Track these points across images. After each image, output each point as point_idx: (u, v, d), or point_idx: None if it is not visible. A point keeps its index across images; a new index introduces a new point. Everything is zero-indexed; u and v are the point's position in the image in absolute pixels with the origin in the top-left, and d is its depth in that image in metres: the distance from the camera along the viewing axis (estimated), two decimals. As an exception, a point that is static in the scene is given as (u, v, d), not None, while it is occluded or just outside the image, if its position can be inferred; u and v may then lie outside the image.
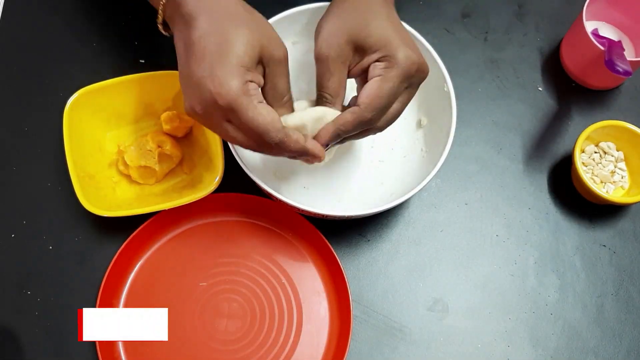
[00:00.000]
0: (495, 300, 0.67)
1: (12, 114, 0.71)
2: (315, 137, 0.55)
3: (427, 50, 0.65)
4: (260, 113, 0.49)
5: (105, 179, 0.67)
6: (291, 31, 0.68)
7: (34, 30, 0.75)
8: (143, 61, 0.73)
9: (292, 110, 0.55)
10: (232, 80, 0.47)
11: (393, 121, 0.57)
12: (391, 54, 0.53)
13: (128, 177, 0.67)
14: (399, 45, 0.54)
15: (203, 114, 0.50)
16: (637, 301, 0.68)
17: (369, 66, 0.55)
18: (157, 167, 0.66)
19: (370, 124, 0.55)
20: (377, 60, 0.54)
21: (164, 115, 0.68)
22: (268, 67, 0.51)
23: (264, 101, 0.51)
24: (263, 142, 0.50)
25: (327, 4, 0.65)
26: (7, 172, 0.69)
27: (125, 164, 0.67)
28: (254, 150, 0.52)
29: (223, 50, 0.48)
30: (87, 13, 0.76)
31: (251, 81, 0.50)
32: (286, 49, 0.53)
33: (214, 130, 0.52)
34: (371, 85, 0.54)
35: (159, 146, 0.67)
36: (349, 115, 0.54)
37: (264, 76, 0.52)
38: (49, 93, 0.71)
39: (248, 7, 0.53)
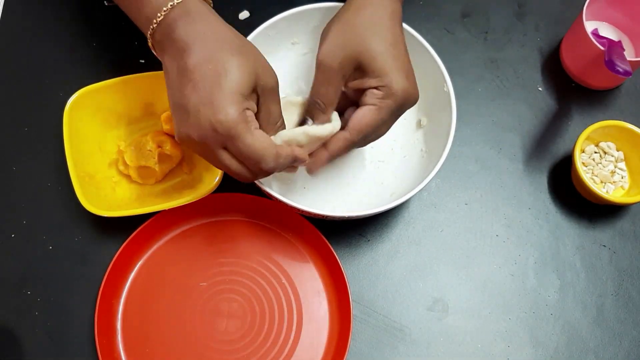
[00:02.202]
0: (495, 300, 0.67)
1: (12, 114, 0.71)
2: (310, 161, 0.57)
3: (427, 50, 0.65)
4: (258, 139, 0.50)
5: (105, 179, 0.67)
6: (291, 31, 0.68)
7: (34, 30, 0.75)
8: (143, 61, 0.73)
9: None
10: (231, 108, 0.48)
11: (376, 139, 0.60)
12: (389, 85, 0.55)
13: (128, 177, 0.67)
14: (397, 77, 0.55)
15: (199, 141, 0.50)
16: (637, 301, 0.68)
17: (365, 89, 0.56)
18: (157, 167, 0.66)
19: (357, 146, 0.58)
20: (376, 88, 0.55)
21: (164, 115, 0.68)
22: (262, 95, 0.52)
23: (259, 128, 0.52)
24: (258, 168, 0.51)
25: (327, 4, 0.66)
26: (7, 172, 0.69)
27: (125, 164, 0.67)
28: (244, 178, 0.53)
29: (221, 77, 0.48)
30: (88, 13, 0.76)
31: (248, 108, 0.50)
32: (277, 77, 0.54)
33: (207, 157, 0.52)
34: (363, 113, 0.56)
35: (159, 146, 0.67)
36: (341, 142, 0.57)
37: (258, 104, 0.53)
38: (49, 93, 0.71)
39: (239, 35, 0.53)
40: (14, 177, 0.69)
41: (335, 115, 0.58)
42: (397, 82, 0.55)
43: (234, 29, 0.53)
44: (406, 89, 0.55)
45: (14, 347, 0.63)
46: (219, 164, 0.51)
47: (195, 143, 0.50)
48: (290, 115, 0.60)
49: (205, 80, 0.48)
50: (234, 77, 0.48)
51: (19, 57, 0.74)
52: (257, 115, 0.53)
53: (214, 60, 0.49)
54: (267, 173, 0.53)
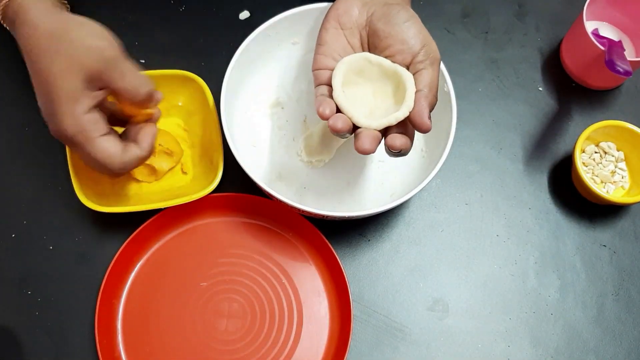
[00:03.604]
0: (495, 300, 0.67)
1: (12, 114, 0.71)
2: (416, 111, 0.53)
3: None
4: (99, 149, 0.52)
5: (105, 177, 0.66)
6: (291, 31, 0.68)
7: (34, 30, 0.75)
8: (143, 61, 0.73)
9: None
10: (66, 121, 0.50)
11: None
12: (428, 50, 0.55)
13: (128, 174, 0.67)
14: (428, 42, 0.56)
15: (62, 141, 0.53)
16: (637, 301, 0.68)
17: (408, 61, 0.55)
18: (157, 166, 0.66)
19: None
20: (416, 55, 0.55)
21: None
22: (103, 79, 0.51)
23: (108, 132, 0.53)
24: (109, 172, 0.54)
25: (327, 4, 0.66)
26: (7, 172, 0.69)
27: (126, 164, 0.67)
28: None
29: (48, 91, 0.50)
30: (88, 13, 0.76)
31: (93, 107, 0.51)
32: (114, 44, 0.52)
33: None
34: (423, 75, 0.54)
35: (159, 145, 0.66)
36: (424, 100, 0.53)
37: (108, 84, 0.52)
38: (49, 93, 0.71)
39: (59, 19, 0.52)
40: (14, 177, 0.69)
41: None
42: (430, 44, 0.55)
43: (56, 13, 0.52)
44: (435, 47, 0.55)
45: (14, 347, 0.63)
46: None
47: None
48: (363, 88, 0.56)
49: (39, 93, 0.51)
50: (58, 86, 0.49)
51: (18, 57, 0.74)
52: (114, 95, 0.53)
53: (38, 73, 0.50)
54: (120, 174, 0.55)
